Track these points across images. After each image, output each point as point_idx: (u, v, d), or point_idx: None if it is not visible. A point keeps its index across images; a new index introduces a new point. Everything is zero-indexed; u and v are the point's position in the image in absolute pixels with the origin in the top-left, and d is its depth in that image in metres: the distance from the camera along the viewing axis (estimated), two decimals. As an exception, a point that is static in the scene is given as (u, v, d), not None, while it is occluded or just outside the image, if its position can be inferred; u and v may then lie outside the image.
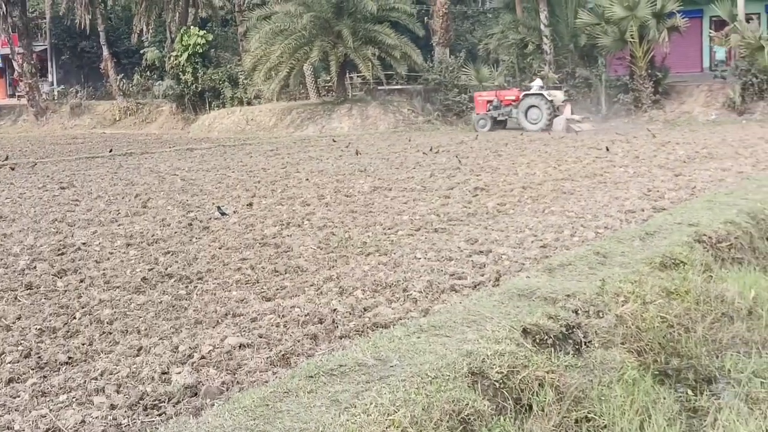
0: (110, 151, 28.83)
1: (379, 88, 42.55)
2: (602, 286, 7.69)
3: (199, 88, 45.17)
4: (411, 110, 40.41)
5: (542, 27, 38.22)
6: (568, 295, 7.40)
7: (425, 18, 44.24)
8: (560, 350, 6.52)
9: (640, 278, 8.21)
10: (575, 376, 6.14)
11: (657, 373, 6.91)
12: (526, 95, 34.49)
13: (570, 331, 6.82)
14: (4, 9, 48.05)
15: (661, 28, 34.90)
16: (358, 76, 42.11)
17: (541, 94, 35.21)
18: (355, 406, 4.98)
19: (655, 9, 35.00)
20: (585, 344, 6.78)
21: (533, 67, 39.11)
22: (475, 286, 8.38)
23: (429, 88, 41.21)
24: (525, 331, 6.50)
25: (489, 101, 35.31)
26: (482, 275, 8.81)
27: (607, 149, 22.70)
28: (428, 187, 16.29)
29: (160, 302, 8.17)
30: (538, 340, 6.50)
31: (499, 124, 35.17)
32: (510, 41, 40.42)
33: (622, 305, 7.52)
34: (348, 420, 4.81)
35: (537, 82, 35.44)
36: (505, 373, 5.81)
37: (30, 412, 5.54)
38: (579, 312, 7.15)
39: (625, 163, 19.51)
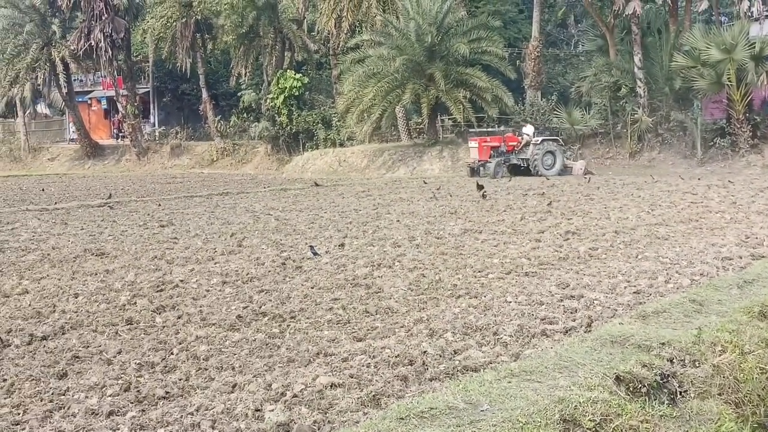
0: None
1: (470, 130, 42.64)
2: (698, 334, 7.53)
3: (294, 130, 46.02)
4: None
5: (636, 70, 37.81)
6: (663, 343, 7.27)
7: (517, 61, 44.29)
8: (655, 399, 6.40)
9: (738, 327, 8.01)
10: (670, 427, 6.03)
11: (756, 426, 6.73)
12: (544, 140, 34.76)
13: (665, 380, 6.69)
14: (110, 53, 49.93)
15: (760, 71, 34.07)
16: (449, 119, 42.29)
17: (556, 140, 35.41)
18: (446, 450, 4.99)
19: (753, 52, 34.25)
20: (680, 394, 6.64)
21: (626, 110, 38.66)
22: (567, 332, 8.31)
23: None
24: (618, 379, 6.41)
25: (494, 147, 34.91)
26: (574, 320, 8.73)
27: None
28: (519, 230, 16.21)
29: (254, 340, 8.33)
30: (631, 389, 6.40)
31: (513, 170, 34.82)
32: (603, 84, 40.08)
33: (720, 355, 7.34)
34: (439, 463, 4.82)
35: (529, 129, 35.62)
36: (598, 421, 5.74)
37: (129, 444, 5.71)
38: (674, 361, 7.01)
39: (721, 208, 19.07)
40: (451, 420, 5.47)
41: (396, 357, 7.54)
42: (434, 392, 6.30)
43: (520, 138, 35.19)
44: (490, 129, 38.72)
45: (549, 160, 34.72)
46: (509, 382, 6.22)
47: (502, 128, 38.35)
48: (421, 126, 42.36)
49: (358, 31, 42.73)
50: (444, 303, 9.88)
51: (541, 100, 42.20)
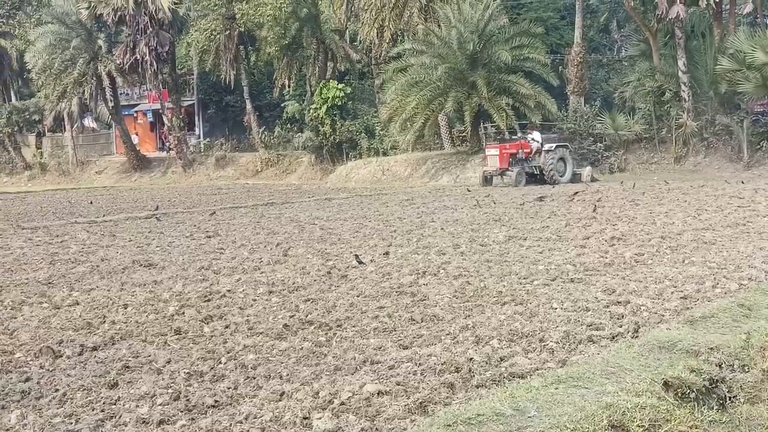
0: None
1: (514, 137, 42.52)
2: (747, 339, 7.45)
3: (337, 140, 46.24)
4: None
5: (680, 74, 37.44)
6: (711, 348, 7.20)
7: (559, 67, 44.09)
8: (704, 405, 6.33)
9: (788, 332, 7.91)
10: (720, 432, 5.98)
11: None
12: (558, 146, 34.35)
13: (714, 385, 6.62)
14: (156, 67, 50.58)
15: (808, 73, 33.61)
16: (492, 126, 42.22)
17: (566, 146, 34.99)
18: (494, 456, 5.00)
19: (800, 53, 33.81)
20: (730, 399, 6.57)
21: (671, 115, 38.29)
22: (614, 338, 8.26)
23: (564, 137, 40.90)
24: (666, 384, 6.36)
25: (513, 154, 34.19)
26: (620, 326, 8.67)
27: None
28: (563, 237, 16.15)
29: (301, 348, 8.40)
30: (680, 394, 6.35)
31: (531, 178, 34.12)
32: (647, 89, 39.74)
33: (769, 359, 7.26)
34: (486, 469, 4.83)
35: (536, 135, 35.03)
36: (647, 426, 5.71)
37: (180, 452, 5.78)
38: (723, 366, 6.94)
39: (770, 212, 18.82)
40: (498, 426, 5.48)
41: (442, 364, 7.54)
42: (481, 399, 6.31)
43: (531, 145, 34.67)
44: (501, 136, 38.37)
45: (561, 168, 34.33)
46: (556, 389, 6.20)
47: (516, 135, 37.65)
48: (464, 134, 42.35)
49: (400, 40, 42.84)
50: (489, 310, 9.87)
51: (585, 105, 41.96)
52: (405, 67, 40.05)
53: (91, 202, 34.04)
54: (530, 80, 38.77)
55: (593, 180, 33.76)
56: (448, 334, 8.76)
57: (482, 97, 37.34)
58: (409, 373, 7.36)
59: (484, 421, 5.55)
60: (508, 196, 27.82)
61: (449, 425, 5.48)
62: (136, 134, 60.07)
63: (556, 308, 9.67)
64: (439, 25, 39.70)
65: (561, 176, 33.97)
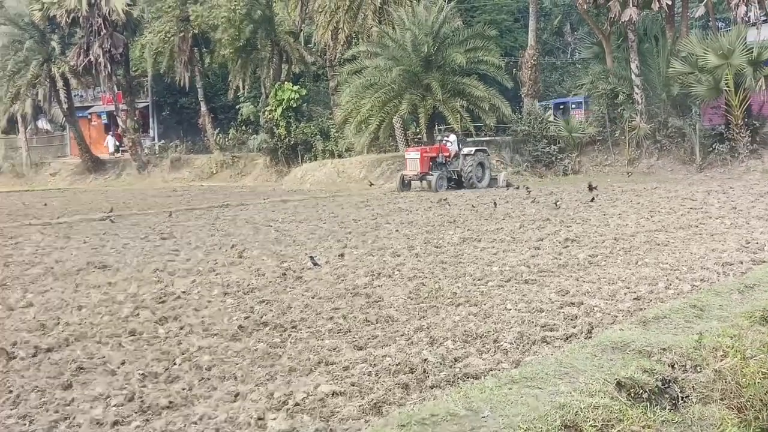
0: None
1: (468, 139, 42.78)
2: (699, 339, 7.57)
3: (292, 142, 46.12)
4: (500, 161, 40.45)
5: (633, 77, 37.93)
6: (664, 349, 7.32)
7: (513, 70, 44.42)
8: (656, 405, 6.45)
9: (740, 332, 8.05)
10: (672, 432, 6.08)
11: (759, 430, 6.77)
12: (477, 151, 34.27)
13: (666, 385, 6.74)
14: (110, 68, 50.07)
15: (758, 76, 34.12)
16: (446, 128, 42.40)
17: (485, 150, 35.09)
18: (447, 455, 5.04)
19: (751, 57, 34.34)
20: (682, 399, 6.69)
21: (624, 117, 38.76)
22: (567, 338, 8.37)
23: (518, 139, 41.24)
24: (619, 385, 6.46)
25: (433, 158, 33.71)
26: (574, 327, 8.78)
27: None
28: (518, 238, 16.28)
29: (256, 350, 8.39)
30: (633, 394, 6.45)
31: (449, 182, 33.58)
32: (600, 91, 40.21)
33: (721, 360, 7.38)
34: (440, 468, 4.87)
35: (452, 137, 34.94)
36: (600, 426, 5.80)
37: (134, 454, 5.76)
38: (675, 366, 7.06)
39: (721, 214, 19.13)
40: (452, 427, 5.53)
41: (397, 365, 7.59)
42: (435, 400, 6.36)
43: (449, 148, 34.27)
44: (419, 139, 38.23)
45: (479, 172, 34.02)
46: (510, 389, 6.27)
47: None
48: (419, 136, 42.47)
49: (355, 43, 42.84)
50: (444, 311, 9.93)
51: (539, 108, 42.31)
52: (360, 69, 40.05)
53: (45, 204, 33.58)
54: (484, 83, 38.99)
55: (508, 185, 33.37)
56: (402, 335, 8.80)
57: (437, 100, 37.42)
58: (364, 374, 7.40)
59: (438, 422, 5.59)
60: (463, 198, 27.97)
61: (403, 426, 5.51)
62: (115, 135, 58.97)
63: (510, 309, 9.76)
64: (393, 28, 39.75)
65: (479, 181, 33.66)
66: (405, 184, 33.67)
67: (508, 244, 15.49)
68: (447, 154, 33.92)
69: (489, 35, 40.41)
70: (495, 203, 24.32)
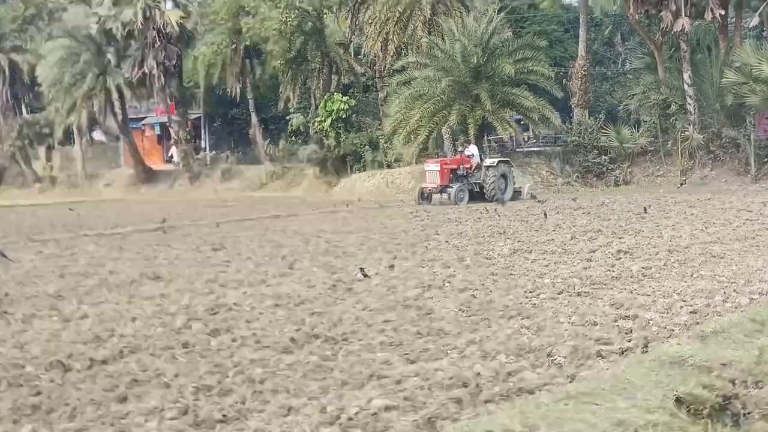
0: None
1: (518, 150, 42.57)
2: (760, 354, 7.39)
3: (342, 152, 46.24)
4: (549, 172, 40.23)
5: (686, 87, 37.46)
6: (724, 364, 7.15)
7: (563, 80, 44.09)
8: (717, 422, 6.29)
9: (801, 346, 7.85)
10: (733, 449, 5.93)
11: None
12: (500, 162, 33.53)
13: (727, 401, 6.57)
14: (163, 80, 50.76)
15: (813, 85, 33.57)
16: (495, 139, 42.23)
17: (508, 161, 34.25)
18: (504, 472, 4.98)
19: (807, 66, 33.80)
20: (744, 416, 6.51)
21: (676, 128, 38.27)
22: (623, 353, 8.23)
23: (568, 149, 40.91)
24: (679, 401, 6.31)
25: (453, 170, 33.02)
26: (629, 341, 8.64)
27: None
28: (569, 250, 16.13)
29: (308, 363, 8.38)
30: (693, 411, 6.30)
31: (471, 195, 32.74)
32: (651, 102, 39.78)
33: (783, 375, 7.20)
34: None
35: (473, 149, 34.25)
36: (659, 443, 5.68)
37: (189, 468, 5.76)
38: (736, 382, 6.90)
39: (778, 225, 18.77)
40: (507, 443, 5.46)
41: (450, 379, 7.52)
42: (490, 415, 6.29)
43: (470, 160, 33.60)
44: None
45: (501, 184, 33.10)
46: (566, 405, 6.17)
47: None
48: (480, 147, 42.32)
49: (404, 54, 42.85)
50: (496, 324, 9.85)
51: (589, 118, 41.96)
52: (409, 80, 40.07)
53: (99, 216, 34.01)
54: (534, 93, 38.78)
55: (533, 197, 32.95)
56: (454, 348, 8.74)
57: (486, 110, 37.31)
58: (417, 388, 7.34)
59: (493, 438, 5.53)
60: (513, 209, 27.80)
61: (459, 441, 5.46)
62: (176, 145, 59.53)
63: (563, 322, 9.65)
64: (443, 39, 39.74)
65: (502, 193, 32.84)
66: (425, 197, 32.90)
67: (560, 256, 15.36)
68: (468, 165, 33.27)
69: (539, 45, 40.24)
70: (545, 214, 24.14)
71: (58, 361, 8.73)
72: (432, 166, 33.35)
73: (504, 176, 33.35)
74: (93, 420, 6.91)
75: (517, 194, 33.44)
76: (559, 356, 8.16)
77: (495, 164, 33.19)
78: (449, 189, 32.32)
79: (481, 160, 33.74)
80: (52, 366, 8.62)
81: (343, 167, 46.78)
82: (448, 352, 8.61)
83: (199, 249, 19.18)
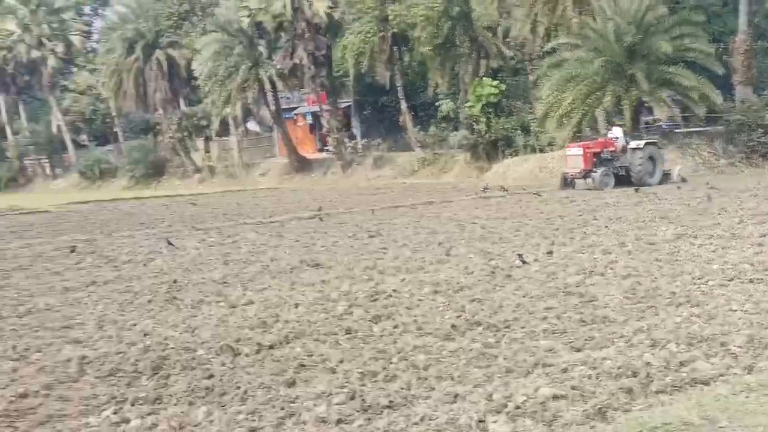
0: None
1: (676, 131, 41.06)
2: None
3: (492, 137, 45.87)
4: (711, 153, 38.61)
5: None
6: None
7: (723, 56, 42.19)
8: None
9: None
10: None
11: None
12: (647, 144, 31.60)
13: None
14: (313, 70, 51.75)
15: None
16: (652, 120, 40.87)
17: (655, 143, 32.25)
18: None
19: None
20: None
21: None
22: (803, 343, 7.82)
23: (731, 129, 39.13)
24: None
25: (597, 153, 31.37)
26: (810, 330, 8.20)
27: None
28: (738, 234, 15.43)
29: (471, 350, 8.37)
30: None
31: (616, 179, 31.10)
32: (822, 76, 37.57)
33: None
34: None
35: (617, 131, 32.32)
36: None
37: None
38: None
39: None
40: (687, 436, 5.28)
41: (618, 368, 7.36)
42: (663, 406, 6.10)
43: (615, 143, 31.96)
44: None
45: (649, 167, 31.43)
46: (746, 397, 5.92)
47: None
48: (624, 128, 41.18)
49: (554, 35, 42.06)
50: (663, 312, 9.55)
51: (754, 95, 40.03)
52: (560, 62, 39.28)
53: (257, 205, 35.01)
54: (693, 71, 37.29)
55: (683, 180, 31.35)
56: (621, 337, 8.53)
57: (642, 90, 36.18)
58: (584, 377, 7.22)
59: (671, 431, 5.35)
60: (673, 192, 26.89)
61: (635, 433, 5.32)
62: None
63: (737, 310, 9.26)
64: (594, 18, 38.72)
65: (650, 177, 31.23)
66: (567, 183, 31.86)
67: (728, 241, 14.72)
68: (612, 148, 31.84)
69: (696, 21, 38.58)
70: (709, 197, 23.22)
71: (227, 346, 9.06)
72: (574, 151, 32.14)
73: (652, 158, 31.90)
74: (263, 403, 7.12)
75: (666, 177, 31.93)
76: (734, 346, 7.83)
77: (642, 146, 31.70)
78: (593, 173, 31.20)
79: (627, 142, 32.41)
80: (222, 350, 8.96)
81: (495, 152, 46.41)
82: (615, 340, 8.41)
83: (356, 236, 19.45)
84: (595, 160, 31.47)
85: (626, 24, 36.54)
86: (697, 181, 30.91)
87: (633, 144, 32.03)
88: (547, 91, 38.68)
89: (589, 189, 30.40)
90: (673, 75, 36.55)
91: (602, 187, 30.36)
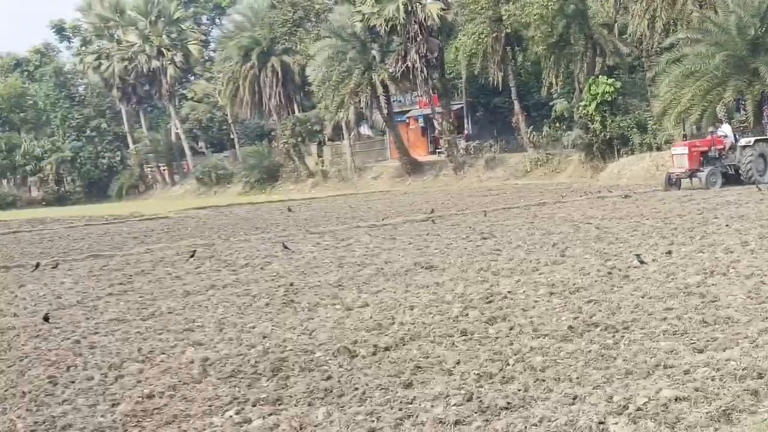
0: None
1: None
2: None
3: (608, 136, 45.12)
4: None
5: None
6: None
7: None
8: None
9: None
10: None
11: None
12: (758, 141, 29.97)
13: None
14: (426, 73, 51.92)
15: None
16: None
17: (767, 140, 30.35)
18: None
19: None
20: None
21: None
22: None
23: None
24: None
25: (704, 152, 30.21)
26: None
27: None
28: None
29: (589, 351, 8.26)
30: None
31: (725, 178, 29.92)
32: None
33: None
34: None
35: (726, 128, 30.83)
36: None
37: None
38: None
39: None
40: (818, 439, 5.10)
41: (743, 369, 7.14)
42: (792, 409, 5.90)
43: (723, 140, 30.80)
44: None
45: (760, 165, 30.03)
46: None
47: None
48: (745, 124, 39.86)
49: (673, 30, 41.07)
50: (790, 312, 9.22)
51: None
52: (679, 57, 38.26)
53: (370, 208, 35.28)
54: (820, 63, 35.74)
55: None
56: (745, 338, 8.28)
57: (765, 84, 34.93)
58: (707, 379, 7.04)
59: (800, 433, 5.18)
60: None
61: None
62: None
63: None
64: (715, 12, 37.66)
65: (761, 175, 29.89)
66: (672, 183, 30.91)
67: None
68: (721, 147, 30.77)
69: (824, 11, 37.00)
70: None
71: (344, 348, 9.18)
72: (679, 150, 31.34)
73: (763, 156, 30.63)
74: (381, 404, 7.19)
75: None
76: None
77: (752, 143, 30.59)
78: (700, 173, 30.37)
79: (736, 140, 31.26)
80: (339, 352, 9.08)
81: (610, 151, 45.64)
82: (739, 341, 8.17)
83: (469, 238, 19.42)
84: (702, 159, 30.59)
85: (749, 17, 35.44)
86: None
87: (743, 141, 30.97)
88: (665, 88, 37.76)
89: (695, 189, 29.53)
90: (799, 67, 35.12)
91: (709, 186, 29.51)
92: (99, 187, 79.01)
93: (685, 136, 35.15)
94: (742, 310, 9.47)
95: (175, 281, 16.00)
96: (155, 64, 74.24)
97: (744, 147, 30.64)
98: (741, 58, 35.89)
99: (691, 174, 30.61)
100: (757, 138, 31.62)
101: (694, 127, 38.24)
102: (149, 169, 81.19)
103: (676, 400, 6.51)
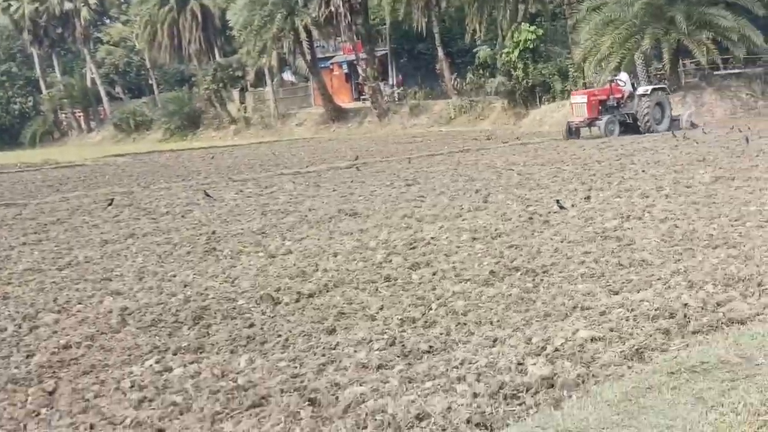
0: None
1: (715, 73, 40.41)
2: None
3: (530, 83, 45.50)
4: (750, 95, 38.01)
5: None
6: None
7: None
8: None
9: None
10: None
11: None
12: (654, 90, 30.74)
13: None
14: (349, 18, 51.42)
15: None
16: (691, 63, 40.26)
17: (664, 88, 31.34)
18: (723, 405, 4.88)
19: None
20: None
21: None
22: (842, 282, 7.81)
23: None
24: None
25: (602, 101, 30.74)
26: None
27: None
28: (777, 177, 15.30)
29: (509, 295, 8.44)
30: None
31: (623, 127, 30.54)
32: None
33: None
34: (716, 419, 4.72)
35: (623, 76, 31.52)
36: None
37: (400, 397, 5.91)
38: None
39: None
40: (724, 374, 5.33)
41: (655, 310, 7.39)
42: (701, 346, 6.15)
43: (621, 89, 31.24)
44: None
45: (657, 114, 30.65)
46: (783, 335, 5.96)
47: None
48: (662, 72, 40.64)
49: (594, -22, 41.40)
50: (700, 254, 9.54)
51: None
52: (599, 5, 38.72)
53: (293, 155, 35.12)
54: (732, 12, 36.54)
55: (693, 126, 30.68)
56: (658, 279, 8.55)
57: (681, 33, 35.62)
58: (622, 319, 7.27)
59: (709, 369, 5.41)
60: (712, 134, 26.58)
61: (672, 373, 5.39)
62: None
63: (775, 251, 9.22)
64: (635, -41, 38.02)
65: (658, 123, 30.57)
66: (572, 132, 31.16)
67: (765, 183, 14.60)
68: (619, 95, 31.18)
69: (737, -40, 37.72)
70: (747, 139, 22.95)
71: (267, 295, 9.21)
72: (578, 98, 31.64)
73: (660, 105, 31.15)
74: (305, 350, 7.26)
75: (674, 124, 31.07)
76: (771, 286, 7.83)
77: (649, 92, 31.03)
78: (598, 122, 30.69)
79: (634, 88, 31.69)
80: (262, 299, 9.11)
81: (532, 98, 46.07)
82: (652, 282, 8.43)
83: (393, 185, 19.53)
84: (600, 107, 30.93)
85: (667, -35, 35.84)
86: (737, 124, 30.48)
87: (640, 90, 31.44)
88: (585, 36, 38.25)
89: (593, 137, 29.90)
90: (712, 16, 35.91)
91: (608, 134, 29.83)
92: (11, 133, 76.66)
93: (585, 84, 35.59)
94: (656, 253, 9.76)
95: (92, 230, 15.77)
96: (68, 5, 71.85)
97: (641, 96, 30.97)
98: (658, 6, 36.46)
99: (590, 122, 30.86)
100: (654, 87, 32.04)
101: (646, 72, 38.73)
102: (64, 115, 78.87)
103: (592, 340, 6.71)
